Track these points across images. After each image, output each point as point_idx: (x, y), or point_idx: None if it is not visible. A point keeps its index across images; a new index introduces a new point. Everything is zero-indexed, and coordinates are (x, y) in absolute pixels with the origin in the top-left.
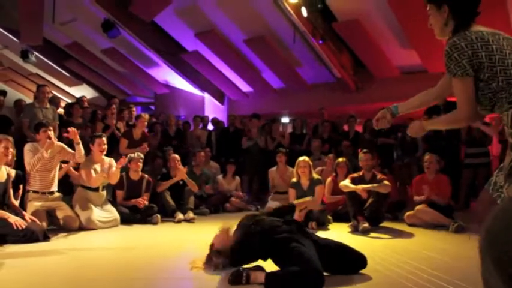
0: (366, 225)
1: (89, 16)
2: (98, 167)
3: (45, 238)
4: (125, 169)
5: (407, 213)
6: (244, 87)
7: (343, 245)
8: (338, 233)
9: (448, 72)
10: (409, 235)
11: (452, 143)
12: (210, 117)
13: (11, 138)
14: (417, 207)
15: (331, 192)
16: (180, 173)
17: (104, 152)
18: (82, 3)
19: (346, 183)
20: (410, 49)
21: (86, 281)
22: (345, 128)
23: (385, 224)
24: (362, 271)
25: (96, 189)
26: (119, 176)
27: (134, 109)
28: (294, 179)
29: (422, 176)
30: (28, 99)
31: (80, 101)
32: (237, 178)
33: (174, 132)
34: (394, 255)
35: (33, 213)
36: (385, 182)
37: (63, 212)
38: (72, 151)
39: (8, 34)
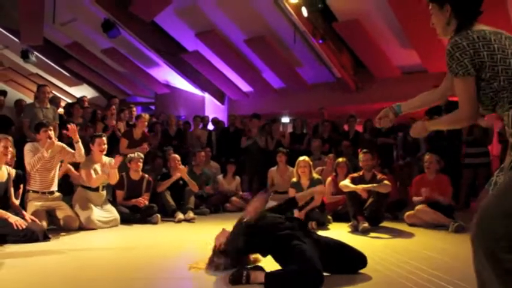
0: (366, 225)
1: (89, 16)
2: (98, 167)
3: (45, 238)
4: (125, 169)
5: (407, 213)
6: (245, 87)
7: (344, 244)
8: (338, 232)
9: (449, 71)
10: (409, 235)
11: (454, 143)
12: (210, 117)
13: (10, 138)
14: (417, 207)
15: (331, 192)
16: (181, 171)
17: (104, 152)
18: (82, 3)
19: (346, 183)
20: (411, 49)
21: (86, 281)
22: (345, 128)
23: (385, 223)
24: (362, 271)
25: (96, 189)
26: (118, 176)
27: (134, 109)
28: (294, 179)
29: (422, 176)
30: (28, 99)
31: (80, 101)
32: (237, 178)
33: (174, 132)
34: (394, 255)
35: (33, 213)
36: (385, 182)
37: (63, 211)
38: (73, 151)
39: (8, 34)
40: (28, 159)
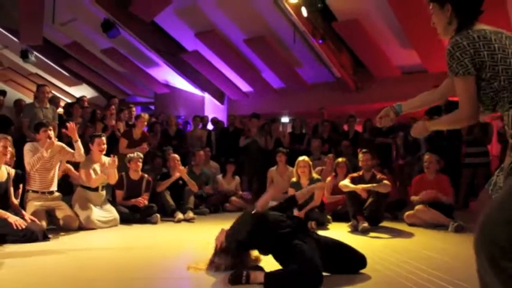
0: (366, 224)
1: (88, 16)
2: (97, 167)
3: (45, 238)
4: (124, 169)
5: (407, 213)
6: (244, 87)
7: (343, 244)
8: (338, 232)
9: (449, 71)
10: (409, 235)
11: (454, 143)
12: (210, 117)
13: (9, 138)
14: (417, 207)
15: (331, 192)
16: (180, 171)
17: (104, 152)
18: (82, 3)
19: (346, 183)
20: (410, 49)
21: (86, 281)
22: (345, 127)
23: (384, 223)
24: (362, 270)
25: (96, 189)
26: (117, 176)
27: (134, 109)
28: (294, 179)
29: (422, 176)
30: (28, 99)
31: (80, 100)
32: (237, 178)
33: (174, 132)
34: (393, 254)
35: (33, 213)
36: (385, 181)
37: (62, 211)
38: (72, 151)
39: (7, 34)
40: (28, 159)
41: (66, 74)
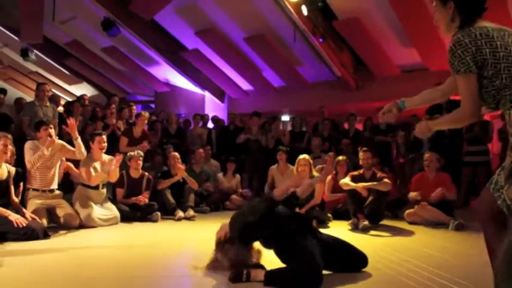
0: (366, 223)
1: (89, 14)
2: (97, 165)
3: (46, 236)
4: (125, 167)
5: (407, 211)
6: (245, 85)
7: (345, 243)
8: (338, 231)
9: (451, 69)
10: (409, 233)
11: (455, 141)
12: (210, 116)
13: (9, 136)
14: (417, 206)
15: (331, 190)
16: (180, 171)
17: (104, 150)
18: (82, 2)
19: (346, 181)
20: (411, 47)
21: (86, 279)
22: (345, 126)
23: (385, 222)
24: (362, 269)
25: (96, 187)
26: (118, 174)
27: (134, 107)
28: None
29: (422, 174)
30: (28, 97)
31: (80, 99)
32: (237, 176)
33: (174, 131)
34: (394, 253)
35: (34, 211)
36: (385, 180)
37: (63, 209)
38: (73, 149)
39: (8, 32)
40: (28, 157)
41: (67, 72)
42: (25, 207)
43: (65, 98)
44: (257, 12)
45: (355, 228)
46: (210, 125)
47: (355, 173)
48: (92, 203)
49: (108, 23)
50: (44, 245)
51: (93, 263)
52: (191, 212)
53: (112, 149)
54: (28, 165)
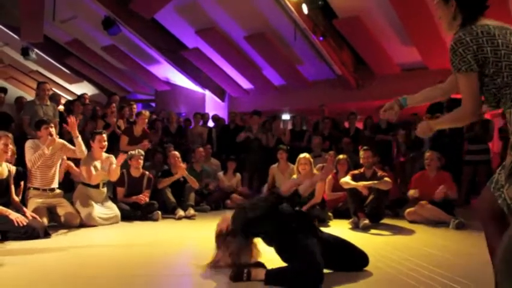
0: (367, 221)
1: (89, 13)
2: (98, 163)
3: (46, 235)
4: (125, 166)
5: (408, 210)
6: (245, 84)
7: (346, 242)
8: (339, 229)
9: (452, 67)
10: (410, 232)
11: (456, 140)
12: (211, 114)
13: (10, 135)
14: (417, 204)
15: (332, 189)
16: (180, 170)
17: (104, 149)
18: (82, 1)
19: (347, 180)
20: (411, 46)
21: (87, 278)
22: (346, 125)
23: (385, 220)
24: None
25: (97, 186)
26: (119, 173)
27: (135, 106)
28: (295, 176)
29: (422, 173)
30: (29, 96)
31: (81, 98)
32: (238, 175)
33: (174, 129)
34: (394, 252)
35: (34, 210)
36: (386, 179)
37: (64, 208)
38: (73, 148)
39: (8, 31)
40: (29, 156)
41: (67, 71)
42: (26, 206)
43: (66, 97)
44: (257, 10)
45: (355, 227)
46: (211, 123)
47: (356, 171)
48: (93, 202)
49: (109, 21)
50: (44, 244)
51: (93, 262)
52: (191, 211)
53: (112, 147)
54: (29, 164)
